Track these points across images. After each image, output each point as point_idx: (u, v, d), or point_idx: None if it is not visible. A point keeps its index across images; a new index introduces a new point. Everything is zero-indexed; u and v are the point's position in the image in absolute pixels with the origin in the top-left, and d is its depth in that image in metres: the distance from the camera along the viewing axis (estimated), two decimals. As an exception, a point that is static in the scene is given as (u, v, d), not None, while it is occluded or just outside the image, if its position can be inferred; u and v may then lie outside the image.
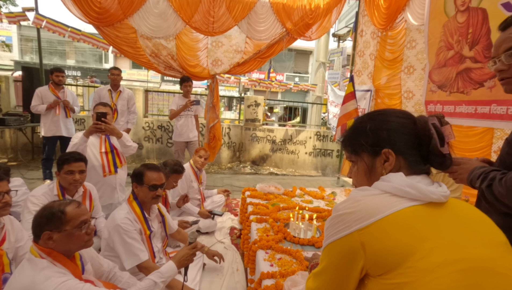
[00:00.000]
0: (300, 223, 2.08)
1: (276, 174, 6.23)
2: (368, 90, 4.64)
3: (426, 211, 0.68)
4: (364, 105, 4.72)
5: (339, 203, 0.76)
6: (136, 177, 1.95)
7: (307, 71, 22.22)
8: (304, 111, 7.96)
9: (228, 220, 3.37)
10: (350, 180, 5.63)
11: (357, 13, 4.95)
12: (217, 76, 4.83)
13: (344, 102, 2.92)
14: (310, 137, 6.73)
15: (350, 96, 2.86)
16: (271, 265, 1.64)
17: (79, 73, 18.49)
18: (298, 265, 1.65)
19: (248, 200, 2.76)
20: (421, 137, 0.75)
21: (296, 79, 22.10)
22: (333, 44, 8.26)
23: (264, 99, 6.47)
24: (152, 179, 1.92)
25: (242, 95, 7.47)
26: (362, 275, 0.70)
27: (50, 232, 1.22)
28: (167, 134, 6.16)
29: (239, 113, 7.59)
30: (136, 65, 19.44)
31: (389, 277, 0.63)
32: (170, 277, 1.52)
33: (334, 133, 5.59)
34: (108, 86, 4.07)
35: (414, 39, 3.65)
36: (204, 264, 2.36)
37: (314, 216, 2.15)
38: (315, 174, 6.58)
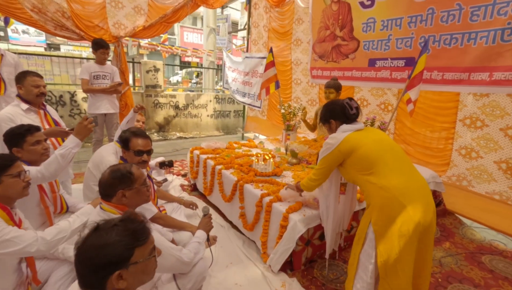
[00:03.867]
0: (261, 163, 2.81)
1: (185, 138, 6.55)
2: (264, 57, 5.54)
3: (358, 132, 1.61)
4: (261, 70, 5.64)
5: (327, 139, 1.65)
6: (123, 143, 2.09)
7: (173, 32, 21.39)
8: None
9: (175, 180, 3.71)
10: (251, 135, 6.70)
11: (250, -13, 5.58)
12: (121, 40, 4.50)
13: (266, 69, 3.67)
14: (210, 101, 7.26)
15: (270, 64, 3.62)
16: (261, 190, 2.34)
17: None
18: (276, 186, 2.41)
19: (203, 156, 3.22)
20: (343, 109, 1.67)
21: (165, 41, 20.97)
22: (217, 10, 8.62)
23: (163, 64, 6.37)
24: (137, 145, 2.10)
25: (140, 60, 6.95)
26: (340, 162, 1.62)
27: (123, 190, 1.44)
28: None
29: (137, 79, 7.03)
30: None
31: (352, 156, 1.54)
32: (203, 239, 1.82)
33: (235, 95, 6.36)
34: (-19, 49, 3.19)
35: (301, 17, 4.70)
36: (181, 214, 2.77)
37: (269, 156, 2.91)
38: (218, 134, 7.29)
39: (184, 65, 19.05)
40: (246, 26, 6.14)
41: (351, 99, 1.69)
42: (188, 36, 21.47)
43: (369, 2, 3.61)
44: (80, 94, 5.37)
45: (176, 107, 6.75)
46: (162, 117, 6.58)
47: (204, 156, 3.22)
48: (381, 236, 1.41)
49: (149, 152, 2.20)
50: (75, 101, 5.38)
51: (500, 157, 2.71)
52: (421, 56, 2.49)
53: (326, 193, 1.85)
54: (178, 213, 2.65)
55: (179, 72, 18.86)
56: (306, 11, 4.53)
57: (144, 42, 7.41)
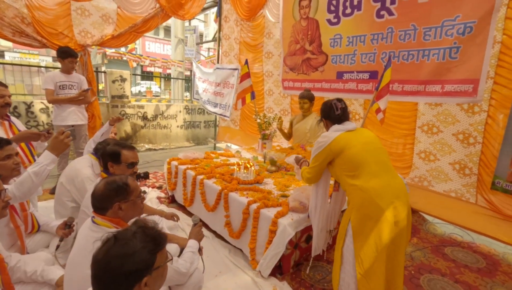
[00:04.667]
0: (243, 171, 2.86)
1: (155, 149, 6.34)
2: (235, 69, 5.65)
3: (349, 133, 1.73)
4: (233, 81, 5.74)
5: (319, 138, 1.76)
6: (112, 157, 2.02)
7: (135, 42, 20.90)
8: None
9: (151, 192, 3.59)
10: (223, 145, 6.71)
11: (220, 0, 5.70)
12: (88, 48, 4.31)
13: (241, 80, 3.77)
14: (180, 111, 7.15)
15: (246, 76, 3.73)
16: (247, 197, 2.38)
17: None
18: (260, 193, 2.47)
19: (182, 167, 3.18)
20: (330, 109, 1.81)
21: (122, 49, 20.38)
22: (187, 22, 8.61)
23: (131, 74, 6.17)
24: (129, 157, 2.06)
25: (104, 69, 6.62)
26: (330, 160, 1.73)
27: (119, 203, 1.40)
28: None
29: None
30: None
31: (341, 155, 1.66)
32: (196, 249, 1.79)
33: (206, 105, 6.35)
34: None
35: (272, 31, 4.91)
36: (163, 226, 2.69)
37: (250, 165, 2.97)
38: (188, 145, 7.17)
39: (152, 75, 18.53)
40: (217, 38, 6.23)
41: (340, 100, 1.80)
42: (150, 45, 21.07)
43: (336, 20, 3.91)
44: (38, 105, 4.98)
45: (144, 118, 6.54)
46: (130, 128, 6.32)
47: (183, 167, 3.18)
48: (358, 233, 1.54)
49: (137, 163, 2.15)
50: (32, 112, 4.97)
51: (454, 159, 3.08)
52: (387, 70, 2.77)
53: (315, 190, 1.95)
54: (160, 226, 2.57)
55: (141, 82, 18.33)
56: (277, 25, 4.75)
57: (110, 50, 7.10)
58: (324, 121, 1.87)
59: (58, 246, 2.04)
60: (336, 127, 1.76)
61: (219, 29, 5.91)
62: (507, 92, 2.68)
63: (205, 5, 7.00)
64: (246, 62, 3.83)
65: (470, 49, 2.84)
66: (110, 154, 2.03)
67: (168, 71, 21.45)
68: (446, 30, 2.95)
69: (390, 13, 3.34)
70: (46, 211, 2.72)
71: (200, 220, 2.89)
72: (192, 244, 1.78)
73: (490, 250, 2.78)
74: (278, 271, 2.15)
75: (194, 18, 9.30)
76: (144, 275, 0.87)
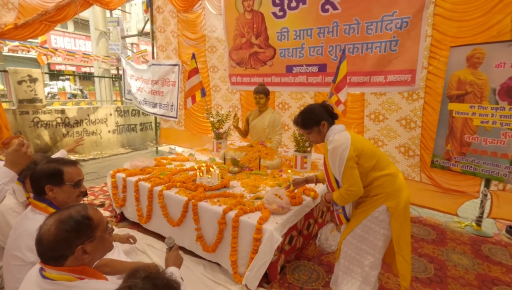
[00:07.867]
0: (206, 176, 2.60)
1: (84, 160, 5.44)
2: (175, 65, 5.21)
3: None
4: (174, 78, 5.29)
5: (333, 144, 1.60)
6: (52, 177, 1.55)
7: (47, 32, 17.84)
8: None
9: (93, 213, 3.01)
10: (166, 149, 6.19)
11: (150, -12, 5.14)
12: (-19, 40, 3.35)
13: (189, 77, 3.41)
14: (111, 114, 6.29)
15: (194, 71, 3.39)
16: (220, 205, 2.14)
17: None
18: (233, 199, 2.26)
19: (131, 179, 2.73)
20: (328, 110, 1.72)
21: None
22: (107, 12, 7.56)
23: (42, 72, 5.11)
24: (74, 174, 1.61)
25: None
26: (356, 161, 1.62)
27: (83, 245, 1.04)
28: None
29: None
30: None
31: (364, 152, 1.59)
32: (179, 277, 1.41)
33: (142, 106, 5.72)
34: None
35: (214, 24, 4.63)
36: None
37: (214, 168, 2.71)
38: (124, 151, 6.38)
39: (84, 75, 16.00)
40: (145, 32, 5.63)
41: (325, 101, 1.80)
42: (57, 40, 18.22)
43: (281, 13, 3.88)
44: None
45: (66, 124, 5.53)
46: (49, 138, 5.27)
47: (133, 179, 2.73)
48: (394, 215, 1.58)
49: (83, 180, 1.71)
50: None
51: (399, 143, 3.37)
52: (342, 63, 2.83)
53: None
54: (116, 252, 2.15)
55: (50, 82, 15.75)
56: (219, 18, 4.49)
57: (13, 43, 5.71)
58: (325, 125, 1.66)
59: (-26, 309, 1.49)
60: (338, 127, 1.66)
61: (152, 21, 5.34)
62: (438, 80, 3.03)
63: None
64: (194, 56, 3.50)
65: (407, 42, 3.12)
66: (48, 175, 1.55)
67: (84, 69, 18.99)
68: (386, 24, 3.17)
69: (334, 7, 3.45)
70: None
71: (161, 238, 2.54)
72: (173, 271, 1.49)
73: (435, 221, 3.14)
74: (264, 280, 1.99)
75: (116, 9, 8.27)
76: None
